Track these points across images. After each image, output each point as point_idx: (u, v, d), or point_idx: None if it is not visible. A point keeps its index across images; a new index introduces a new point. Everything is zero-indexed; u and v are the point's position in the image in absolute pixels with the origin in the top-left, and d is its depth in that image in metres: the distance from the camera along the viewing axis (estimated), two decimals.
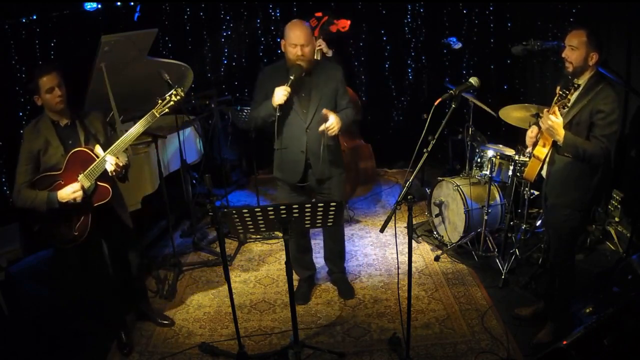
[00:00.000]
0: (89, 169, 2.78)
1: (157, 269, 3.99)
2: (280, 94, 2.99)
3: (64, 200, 2.75)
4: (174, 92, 2.88)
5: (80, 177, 2.79)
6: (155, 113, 2.86)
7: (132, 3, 5.23)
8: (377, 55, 6.12)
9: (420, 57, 6.15)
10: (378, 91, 6.23)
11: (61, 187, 2.78)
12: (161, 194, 3.87)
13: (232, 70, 6.19)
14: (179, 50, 5.81)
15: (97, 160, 2.79)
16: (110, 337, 3.24)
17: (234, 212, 2.49)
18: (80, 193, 2.76)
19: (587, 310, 3.05)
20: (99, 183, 2.83)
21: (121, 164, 2.81)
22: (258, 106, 3.22)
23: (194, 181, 5.14)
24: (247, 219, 2.49)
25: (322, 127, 3.07)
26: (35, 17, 4.58)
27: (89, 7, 4.80)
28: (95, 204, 2.86)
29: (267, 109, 3.10)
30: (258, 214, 2.47)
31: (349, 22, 4.77)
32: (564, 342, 2.14)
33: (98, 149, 2.84)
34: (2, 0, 4.30)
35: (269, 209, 2.45)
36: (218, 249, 4.04)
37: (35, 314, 3.54)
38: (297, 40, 3.05)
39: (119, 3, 5.19)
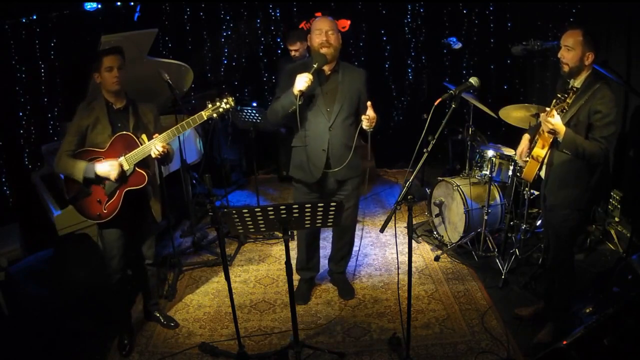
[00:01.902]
0: (131, 153, 2.89)
1: (157, 269, 3.98)
2: (302, 81, 2.95)
3: (100, 173, 2.85)
4: (225, 100, 2.91)
5: (122, 159, 2.89)
6: (204, 115, 2.91)
7: (132, 3, 5.24)
8: (377, 55, 6.12)
9: (420, 57, 6.15)
10: (378, 91, 6.23)
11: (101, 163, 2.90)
12: (161, 194, 3.86)
13: (232, 70, 6.19)
14: (179, 50, 5.82)
15: (141, 146, 2.89)
16: (110, 337, 3.24)
17: (234, 212, 2.49)
18: (117, 171, 2.84)
19: (587, 310, 3.05)
20: (137, 169, 2.93)
21: (166, 150, 2.94)
22: (278, 99, 3.17)
23: (194, 181, 5.14)
24: (247, 219, 2.49)
25: (364, 116, 3.04)
26: (35, 17, 4.59)
27: (89, 7, 4.81)
28: (129, 188, 2.94)
29: (288, 97, 3.04)
30: (258, 214, 2.46)
31: (349, 22, 4.78)
32: (564, 342, 2.14)
33: (144, 137, 2.94)
34: (2, 0, 4.31)
35: (269, 209, 2.45)
36: (218, 249, 4.04)
37: (35, 314, 3.54)
38: (321, 26, 3.05)
39: (119, 3, 5.19)
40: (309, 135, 3.19)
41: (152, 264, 3.29)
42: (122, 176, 2.91)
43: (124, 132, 2.91)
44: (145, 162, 2.95)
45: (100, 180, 2.89)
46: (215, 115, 2.92)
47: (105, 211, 2.94)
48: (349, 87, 3.17)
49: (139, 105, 3.06)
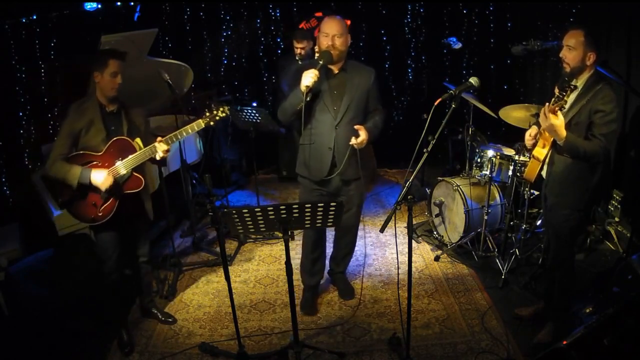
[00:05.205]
0: (129, 158, 2.90)
1: (157, 269, 3.99)
2: (309, 76, 2.94)
3: (93, 182, 2.83)
4: (222, 109, 3.03)
5: (118, 163, 2.89)
6: (202, 123, 3.02)
7: (132, 3, 5.24)
8: (377, 55, 6.12)
9: (420, 57, 6.16)
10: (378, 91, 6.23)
11: (96, 167, 2.87)
12: (161, 194, 3.87)
13: (232, 70, 6.19)
14: (179, 50, 5.82)
15: (140, 151, 2.91)
16: (110, 337, 3.24)
17: (234, 212, 2.49)
18: (109, 182, 2.83)
19: (587, 310, 3.05)
20: (134, 173, 2.94)
21: (167, 153, 3.00)
22: (287, 98, 3.18)
23: (194, 181, 5.14)
24: (247, 219, 2.49)
25: (352, 141, 3.08)
26: (35, 17, 4.58)
27: (89, 7, 4.80)
28: (126, 192, 2.95)
29: (296, 94, 3.05)
30: (258, 214, 2.46)
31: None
32: (564, 342, 2.14)
33: (139, 141, 2.95)
34: (2, 0, 4.30)
35: (269, 209, 2.45)
36: (218, 249, 4.04)
37: (35, 314, 3.54)
38: (329, 30, 3.05)
39: (119, 3, 5.19)
40: (316, 134, 3.19)
41: (146, 261, 3.29)
42: (118, 182, 2.90)
43: (121, 137, 2.91)
44: (140, 166, 2.97)
45: (93, 186, 2.87)
46: (212, 123, 3.04)
47: (100, 214, 2.92)
48: (356, 86, 3.17)
49: (129, 109, 3.04)
